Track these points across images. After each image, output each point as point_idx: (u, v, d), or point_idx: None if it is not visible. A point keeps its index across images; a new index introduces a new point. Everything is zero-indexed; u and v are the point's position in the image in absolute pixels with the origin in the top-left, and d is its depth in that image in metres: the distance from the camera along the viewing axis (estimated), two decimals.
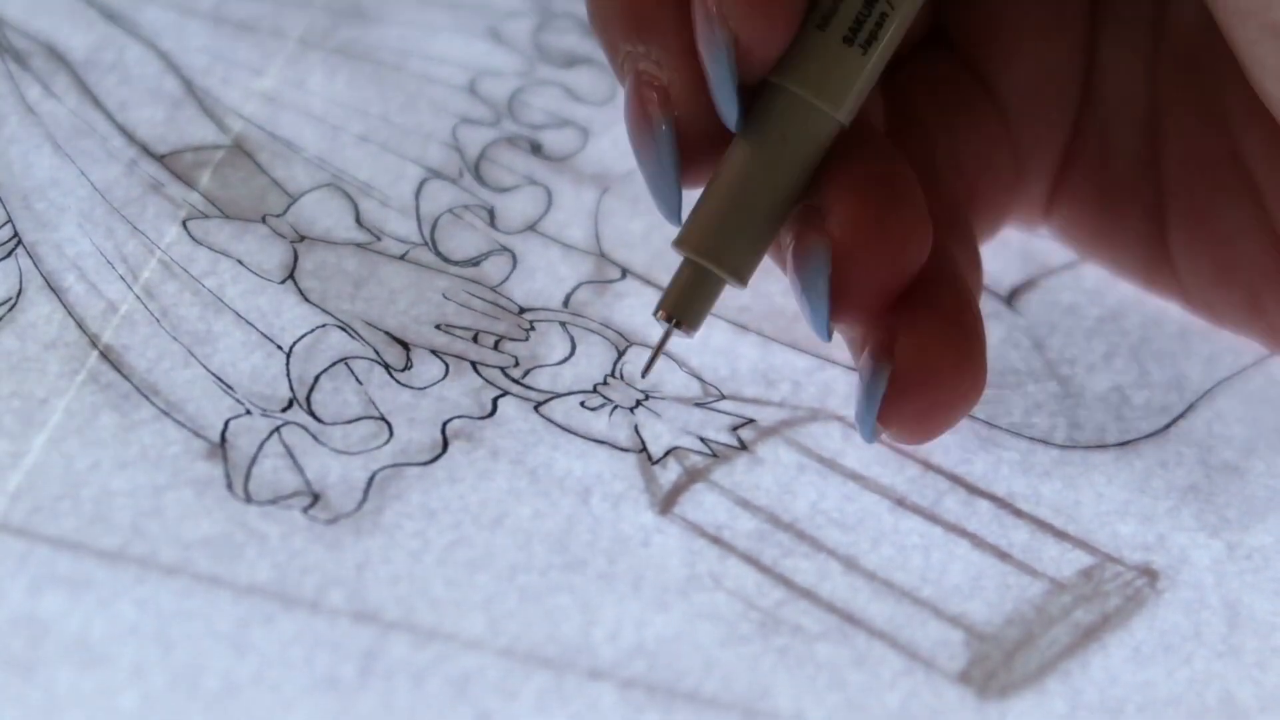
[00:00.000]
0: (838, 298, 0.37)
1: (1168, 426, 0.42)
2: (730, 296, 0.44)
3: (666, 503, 0.40)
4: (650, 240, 0.45)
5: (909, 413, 0.38)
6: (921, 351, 0.38)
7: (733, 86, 0.36)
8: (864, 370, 0.38)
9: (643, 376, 0.40)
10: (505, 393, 0.41)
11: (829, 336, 0.38)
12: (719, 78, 0.36)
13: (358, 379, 0.41)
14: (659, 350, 0.39)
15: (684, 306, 0.37)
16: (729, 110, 0.37)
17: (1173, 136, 0.41)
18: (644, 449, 0.41)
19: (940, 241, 0.39)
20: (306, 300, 0.42)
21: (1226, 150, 0.40)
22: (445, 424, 0.41)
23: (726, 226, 0.37)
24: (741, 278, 0.37)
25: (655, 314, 0.38)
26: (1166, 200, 0.41)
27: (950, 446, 0.41)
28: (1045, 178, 0.43)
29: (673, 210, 0.38)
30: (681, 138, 0.37)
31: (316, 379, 0.41)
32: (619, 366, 0.42)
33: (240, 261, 0.43)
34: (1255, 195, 0.40)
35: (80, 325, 0.41)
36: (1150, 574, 0.39)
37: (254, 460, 0.39)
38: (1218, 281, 0.41)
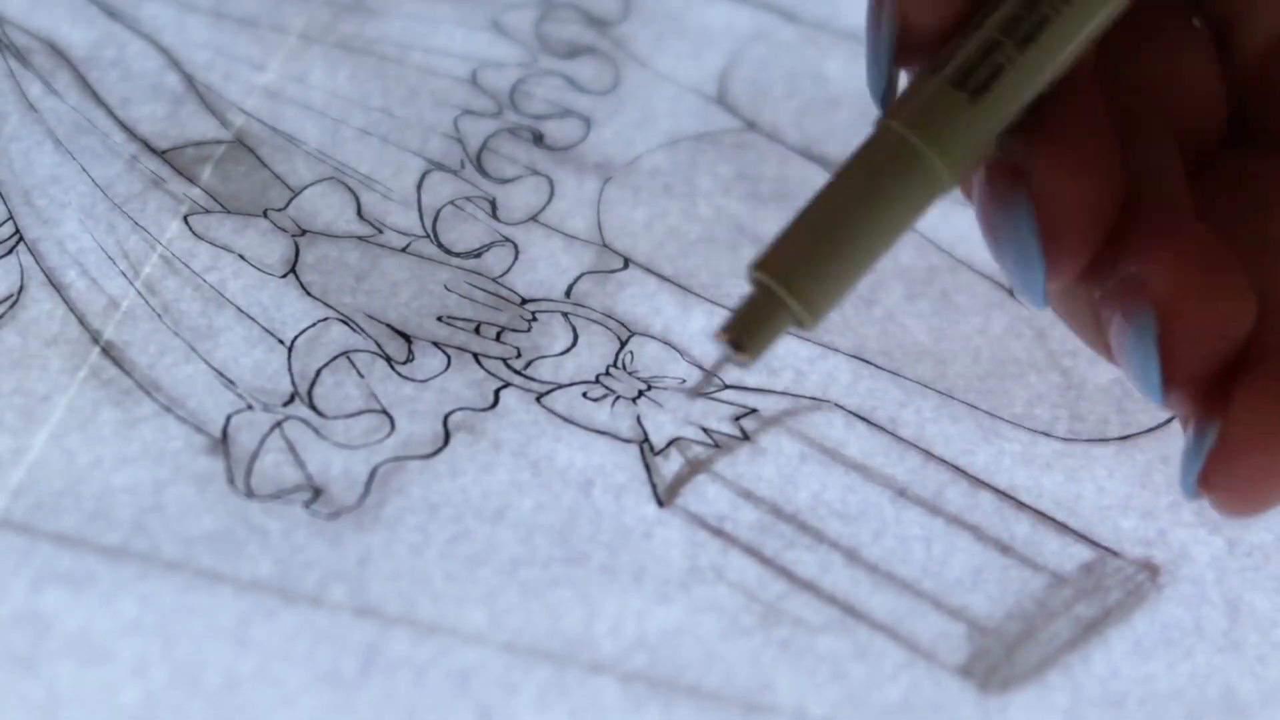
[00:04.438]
0: (1168, 364, 0.35)
1: (1169, 420, 0.42)
2: (733, 282, 0.43)
3: (669, 494, 0.40)
4: (653, 230, 0.45)
5: (1237, 477, 0.35)
6: (1255, 412, 0.35)
7: (886, 62, 0.35)
8: (1192, 427, 0.36)
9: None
10: (507, 384, 0.41)
11: (1162, 400, 0.36)
12: (874, 51, 0.35)
13: (359, 372, 0.41)
14: (712, 373, 0.38)
15: (749, 331, 0.35)
16: (876, 88, 0.35)
17: None
18: (646, 440, 0.41)
19: None
20: (308, 294, 0.42)
21: None
22: (447, 416, 0.41)
23: (811, 260, 0.35)
24: (816, 315, 0.35)
25: (715, 335, 0.35)
26: None
27: (952, 437, 0.41)
28: None
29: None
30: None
31: (318, 373, 0.41)
32: (621, 356, 0.42)
33: (241, 256, 0.43)
34: None
35: (81, 321, 0.41)
36: (1151, 569, 0.39)
37: (255, 455, 0.39)
38: None
